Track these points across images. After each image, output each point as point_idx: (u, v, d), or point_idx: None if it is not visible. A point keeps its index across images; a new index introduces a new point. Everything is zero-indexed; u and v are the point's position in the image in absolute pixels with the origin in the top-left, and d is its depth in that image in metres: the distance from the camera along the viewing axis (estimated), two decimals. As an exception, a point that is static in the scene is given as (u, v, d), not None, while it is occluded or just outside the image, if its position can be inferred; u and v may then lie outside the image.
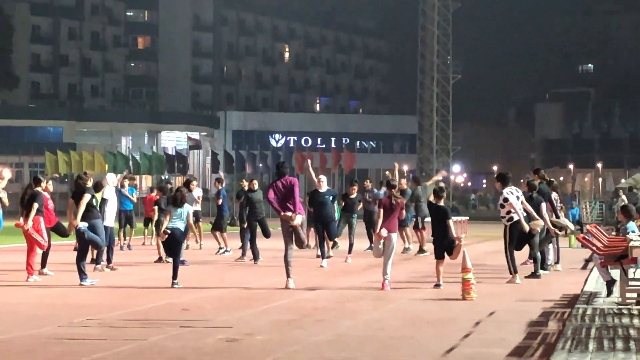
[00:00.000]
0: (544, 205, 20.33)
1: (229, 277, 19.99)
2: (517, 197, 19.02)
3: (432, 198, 18.18)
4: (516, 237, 18.86)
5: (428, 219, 26.07)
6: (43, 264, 19.11)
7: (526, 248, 20.39)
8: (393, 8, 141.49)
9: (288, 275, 17.09)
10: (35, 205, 18.38)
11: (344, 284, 18.51)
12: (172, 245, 17.60)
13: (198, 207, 27.79)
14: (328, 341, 11.17)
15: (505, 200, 19.23)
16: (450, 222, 17.35)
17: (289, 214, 16.88)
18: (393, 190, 17.65)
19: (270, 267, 21.09)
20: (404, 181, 28.32)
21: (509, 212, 18.96)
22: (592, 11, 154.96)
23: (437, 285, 17.00)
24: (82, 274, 17.49)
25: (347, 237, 25.61)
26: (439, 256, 17.06)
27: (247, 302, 15.10)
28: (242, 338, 11.25)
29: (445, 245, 17.04)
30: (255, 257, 23.03)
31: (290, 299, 15.63)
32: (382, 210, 17.33)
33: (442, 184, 25.53)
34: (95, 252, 20.69)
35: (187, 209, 17.86)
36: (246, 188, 24.72)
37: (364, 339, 11.36)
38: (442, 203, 17.78)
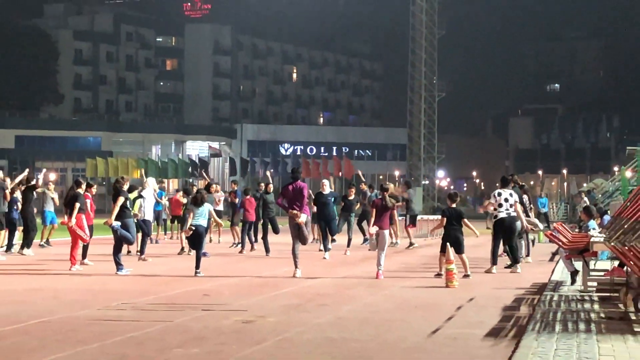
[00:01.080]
0: (518, 205, 20.36)
1: (244, 267, 19.98)
2: (506, 199, 18.95)
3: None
4: (500, 232, 18.85)
5: (419, 217, 26.21)
6: (84, 255, 19.14)
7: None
8: (386, 34, 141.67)
9: (296, 266, 17.12)
10: (77, 205, 18.43)
11: (343, 273, 18.51)
12: (195, 239, 17.65)
13: (219, 207, 27.86)
14: (330, 323, 11.17)
15: (489, 197, 19.32)
16: (467, 221, 17.26)
17: (295, 211, 16.93)
18: (386, 193, 17.65)
19: (279, 259, 21.07)
20: (392, 186, 28.26)
21: (495, 209, 19.01)
22: (559, 38, 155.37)
23: (439, 275, 16.84)
24: (117, 264, 17.51)
25: (346, 233, 25.64)
26: (443, 250, 16.94)
27: (260, 289, 15.11)
28: (255, 320, 11.25)
29: (451, 242, 16.82)
30: (267, 249, 23.05)
31: (297, 286, 15.63)
32: (374, 210, 17.38)
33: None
34: (139, 244, 20.89)
35: (208, 208, 17.91)
36: (262, 190, 24.75)
37: (361, 321, 11.36)
38: (454, 206, 17.65)
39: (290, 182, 17.52)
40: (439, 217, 18.06)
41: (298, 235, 17.19)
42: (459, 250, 16.90)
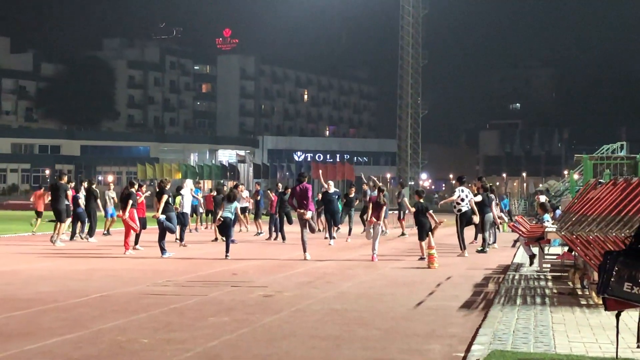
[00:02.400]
0: (493, 202, 20.48)
1: (265, 251, 19.99)
2: (467, 195, 19.08)
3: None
4: (464, 223, 18.92)
5: (406, 211, 26.08)
6: (136, 242, 19.16)
7: (472, 230, 20.34)
8: (379, 64, 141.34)
9: (305, 250, 17.15)
10: (130, 202, 18.43)
11: (345, 257, 18.51)
12: (225, 228, 17.68)
13: (246, 204, 27.91)
14: (333, 297, 11.18)
15: (454, 193, 19.43)
16: (431, 212, 17.43)
17: (302, 210, 16.99)
18: (381, 193, 17.71)
19: (293, 245, 21.05)
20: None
21: (458, 204, 19.05)
22: (519, 66, 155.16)
23: (422, 258, 16.83)
24: (162, 249, 17.54)
25: (347, 224, 25.63)
26: (421, 238, 16.99)
27: (278, 269, 15.13)
28: (274, 294, 11.27)
29: (426, 230, 16.96)
30: (283, 237, 23.07)
31: (308, 267, 15.64)
32: (371, 205, 17.47)
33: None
34: (179, 234, 20.86)
35: (236, 204, 17.92)
36: (280, 190, 24.83)
37: (359, 295, 11.37)
38: (422, 200, 17.79)
39: (297, 184, 17.58)
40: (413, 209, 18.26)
41: (306, 226, 17.24)
42: (421, 236, 16.97)
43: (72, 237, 22.69)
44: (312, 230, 17.51)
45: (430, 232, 16.96)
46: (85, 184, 23.90)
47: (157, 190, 18.79)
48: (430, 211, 17.47)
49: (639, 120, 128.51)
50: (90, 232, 22.88)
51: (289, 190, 24.85)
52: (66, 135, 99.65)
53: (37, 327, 8.48)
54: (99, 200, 23.70)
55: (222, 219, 17.56)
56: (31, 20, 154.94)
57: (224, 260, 16.67)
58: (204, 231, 28.64)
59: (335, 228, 23.51)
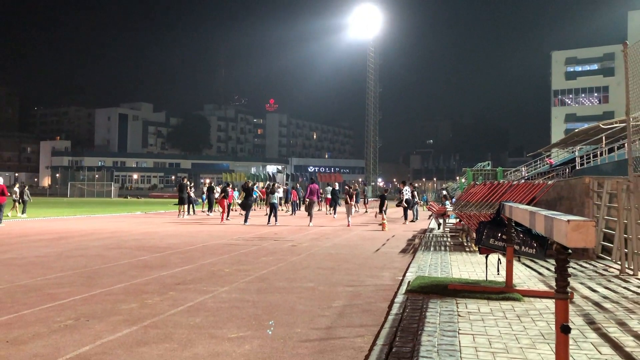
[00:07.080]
0: (416, 195, 20.46)
1: (293, 221, 19.90)
2: (407, 191, 19.10)
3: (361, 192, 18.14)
4: (403, 206, 18.97)
5: (370, 199, 25.93)
6: (228, 216, 19.03)
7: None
8: (355, 118, 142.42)
9: (310, 220, 17.09)
10: (227, 193, 18.49)
11: (335, 224, 18.46)
12: (271, 209, 17.66)
13: (280, 194, 27.79)
14: (330, 246, 11.15)
15: (399, 191, 19.45)
16: (386, 201, 17.64)
17: (313, 199, 17.04)
18: (351, 188, 18.00)
19: (306, 218, 21.00)
20: (356, 185, 28.09)
21: (400, 197, 19.10)
22: (430, 119, 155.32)
23: (381, 225, 16.92)
24: (245, 220, 17.46)
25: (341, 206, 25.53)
26: (380, 212, 17.09)
27: (299, 231, 15.08)
28: (297, 245, 11.24)
29: (381, 207, 17.13)
30: (293, 211, 22.88)
31: (315, 230, 15.59)
32: (347, 195, 17.67)
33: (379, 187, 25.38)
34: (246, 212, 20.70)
35: (277, 194, 17.89)
36: (298, 188, 24.75)
37: (344, 245, 11.33)
38: (385, 193, 18.21)
39: (310, 183, 17.76)
40: (378, 198, 18.52)
41: (313, 207, 17.46)
42: (384, 211, 17.05)
43: (187, 213, 22.70)
44: (311, 212, 17.50)
45: (384, 211, 16.99)
46: (207, 183, 24.07)
47: (244, 187, 18.79)
48: (386, 200, 17.74)
49: (497, 149, 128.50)
50: (210, 209, 22.84)
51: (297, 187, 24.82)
52: (183, 157, 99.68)
53: (167, 262, 8.50)
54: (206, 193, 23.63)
55: (270, 204, 17.69)
56: (164, 93, 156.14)
57: (269, 227, 16.64)
58: (259, 210, 28.60)
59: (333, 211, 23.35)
